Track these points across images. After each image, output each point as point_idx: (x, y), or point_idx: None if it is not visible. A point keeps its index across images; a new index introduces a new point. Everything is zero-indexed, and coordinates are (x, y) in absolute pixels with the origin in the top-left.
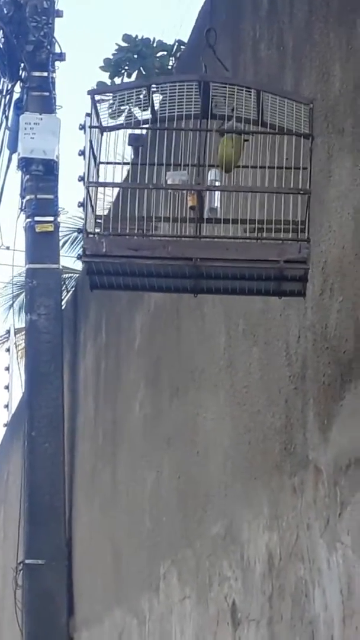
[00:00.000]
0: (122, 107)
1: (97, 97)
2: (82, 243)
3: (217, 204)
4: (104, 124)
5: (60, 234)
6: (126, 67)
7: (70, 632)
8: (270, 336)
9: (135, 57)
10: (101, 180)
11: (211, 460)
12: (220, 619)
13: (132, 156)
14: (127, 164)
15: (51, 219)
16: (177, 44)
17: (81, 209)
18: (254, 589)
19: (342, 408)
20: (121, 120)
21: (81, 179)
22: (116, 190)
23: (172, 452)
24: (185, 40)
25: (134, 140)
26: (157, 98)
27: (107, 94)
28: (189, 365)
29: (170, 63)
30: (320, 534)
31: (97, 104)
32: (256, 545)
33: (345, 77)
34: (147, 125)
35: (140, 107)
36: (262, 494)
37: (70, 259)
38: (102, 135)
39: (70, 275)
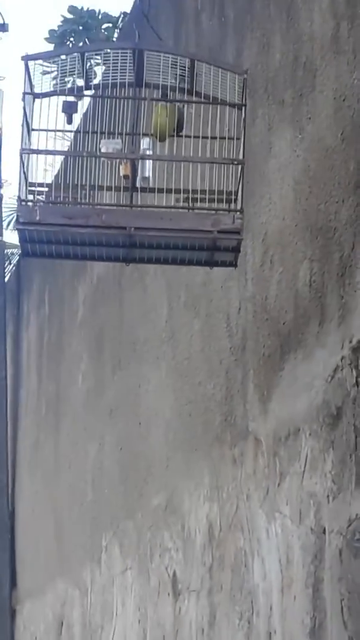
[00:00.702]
0: (65, 79)
1: (31, 64)
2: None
3: (148, 173)
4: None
5: (5, 208)
6: (71, 39)
7: (13, 604)
8: (212, 308)
9: (81, 28)
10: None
11: (153, 432)
12: (161, 590)
13: (66, 123)
14: (60, 131)
15: None
16: (122, 15)
17: None
18: (195, 560)
19: (282, 379)
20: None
21: (20, 156)
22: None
23: (114, 424)
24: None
25: (67, 108)
26: (99, 69)
27: (47, 64)
28: (131, 337)
29: (116, 35)
30: (259, 504)
31: (33, 73)
32: (197, 516)
33: (285, 48)
34: (79, 93)
35: (83, 79)
36: (203, 465)
37: (15, 236)
38: (33, 102)
39: (13, 251)
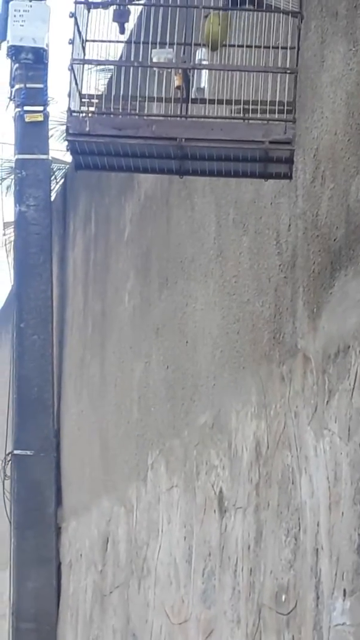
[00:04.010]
0: None
1: None
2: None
3: (204, 84)
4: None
5: (50, 125)
6: None
7: (59, 521)
8: (261, 225)
9: None
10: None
11: (200, 350)
12: (207, 507)
13: (118, 33)
14: (112, 42)
15: (41, 108)
16: None
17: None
18: (241, 477)
19: (332, 296)
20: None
21: (71, 67)
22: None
23: (160, 343)
24: None
25: (118, 16)
26: None
27: None
28: (178, 255)
29: None
30: (308, 421)
31: None
32: (244, 433)
33: None
34: (134, 2)
35: None
36: (251, 383)
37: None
38: (89, 13)
39: (59, 167)
